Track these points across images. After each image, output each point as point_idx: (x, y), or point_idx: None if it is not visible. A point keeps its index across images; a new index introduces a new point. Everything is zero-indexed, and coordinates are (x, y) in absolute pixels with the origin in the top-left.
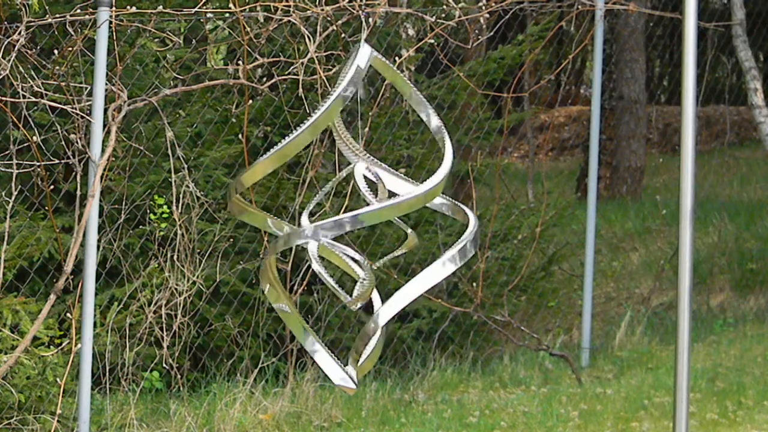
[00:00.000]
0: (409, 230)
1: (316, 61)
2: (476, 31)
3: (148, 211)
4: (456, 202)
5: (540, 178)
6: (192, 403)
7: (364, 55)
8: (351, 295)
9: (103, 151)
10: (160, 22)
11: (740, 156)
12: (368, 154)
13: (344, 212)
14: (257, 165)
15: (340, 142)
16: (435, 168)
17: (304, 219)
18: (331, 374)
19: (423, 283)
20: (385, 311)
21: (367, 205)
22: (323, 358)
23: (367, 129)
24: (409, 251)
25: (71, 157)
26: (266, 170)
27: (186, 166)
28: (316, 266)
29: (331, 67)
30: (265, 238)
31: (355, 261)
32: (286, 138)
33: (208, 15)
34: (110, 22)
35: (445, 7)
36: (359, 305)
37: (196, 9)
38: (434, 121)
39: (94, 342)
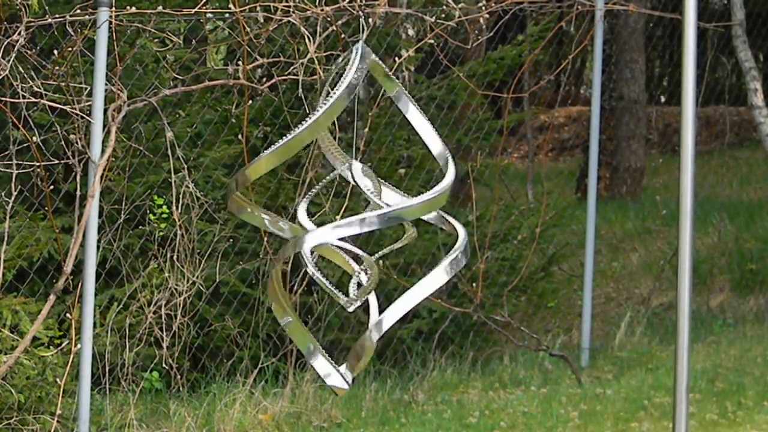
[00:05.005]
0: (410, 225)
1: (316, 62)
2: (476, 32)
3: (148, 211)
4: (443, 214)
5: (540, 178)
6: (192, 403)
7: (363, 55)
8: (347, 295)
9: (102, 151)
10: (160, 23)
11: (740, 156)
12: (354, 162)
13: (343, 213)
14: (262, 159)
15: (327, 150)
16: (434, 168)
17: (304, 219)
18: (325, 376)
19: (416, 295)
20: (379, 327)
21: (368, 205)
22: (321, 364)
23: (366, 129)
24: (409, 251)
25: (71, 157)
26: (270, 165)
27: (186, 166)
28: (312, 269)
29: (330, 68)
30: (265, 239)
31: (357, 259)
32: (290, 134)
33: (208, 15)
34: (110, 23)
35: (444, 7)
36: (356, 305)
37: (196, 9)
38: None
39: (94, 342)
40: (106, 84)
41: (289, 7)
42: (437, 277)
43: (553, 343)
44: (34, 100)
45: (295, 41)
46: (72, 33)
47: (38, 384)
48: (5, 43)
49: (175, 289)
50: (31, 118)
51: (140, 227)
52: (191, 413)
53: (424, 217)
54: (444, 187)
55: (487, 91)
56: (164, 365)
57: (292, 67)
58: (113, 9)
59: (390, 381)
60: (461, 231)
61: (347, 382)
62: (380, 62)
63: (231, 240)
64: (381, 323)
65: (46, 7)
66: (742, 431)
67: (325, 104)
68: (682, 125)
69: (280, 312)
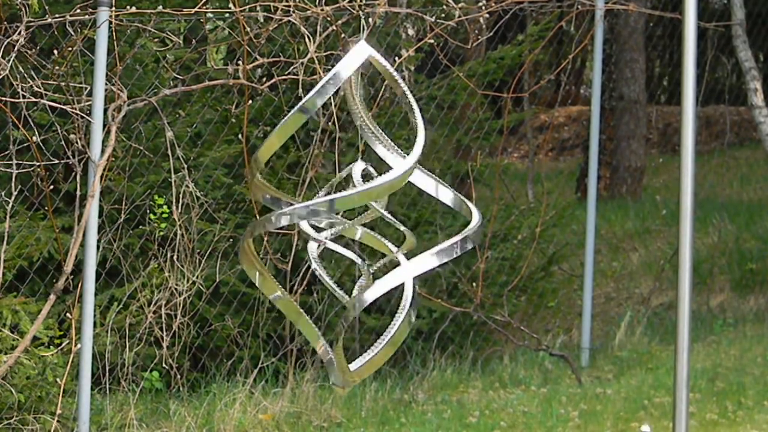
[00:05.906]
0: (407, 231)
1: (316, 61)
2: (476, 31)
3: (148, 211)
4: (462, 198)
5: (540, 178)
6: (192, 403)
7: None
8: (349, 295)
9: (102, 151)
10: (160, 22)
11: (740, 156)
12: (390, 141)
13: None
14: (273, 136)
15: (362, 126)
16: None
17: (357, 178)
18: (330, 370)
19: (415, 267)
20: (371, 292)
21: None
22: (325, 354)
23: None
24: (408, 251)
25: (71, 157)
26: (282, 139)
27: (186, 166)
28: (316, 266)
29: (330, 67)
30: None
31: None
32: (296, 107)
33: (208, 15)
34: (110, 22)
35: (445, 7)
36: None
37: (196, 9)
38: (398, 91)
39: (94, 342)
40: (106, 84)
41: (289, 6)
42: (437, 256)
43: (553, 343)
44: (34, 99)
45: (295, 41)
46: (72, 33)
47: (38, 384)
48: (5, 43)
49: (175, 289)
50: (31, 118)
51: (140, 227)
52: (191, 413)
53: (442, 199)
54: (402, 170)
55: (487, 91)
56: (164, 365)
57: (292, 67)
58: (113, 9)
59: (390, 381)
60: (476, 214)
61: (341, 381)
62: (382, 59)
63: (231, 240)
64: (370, 292)
65: (46, 7)
66: (742, 431)
67: (327, 74)
68: (682, 125)
69: (263, 280)
